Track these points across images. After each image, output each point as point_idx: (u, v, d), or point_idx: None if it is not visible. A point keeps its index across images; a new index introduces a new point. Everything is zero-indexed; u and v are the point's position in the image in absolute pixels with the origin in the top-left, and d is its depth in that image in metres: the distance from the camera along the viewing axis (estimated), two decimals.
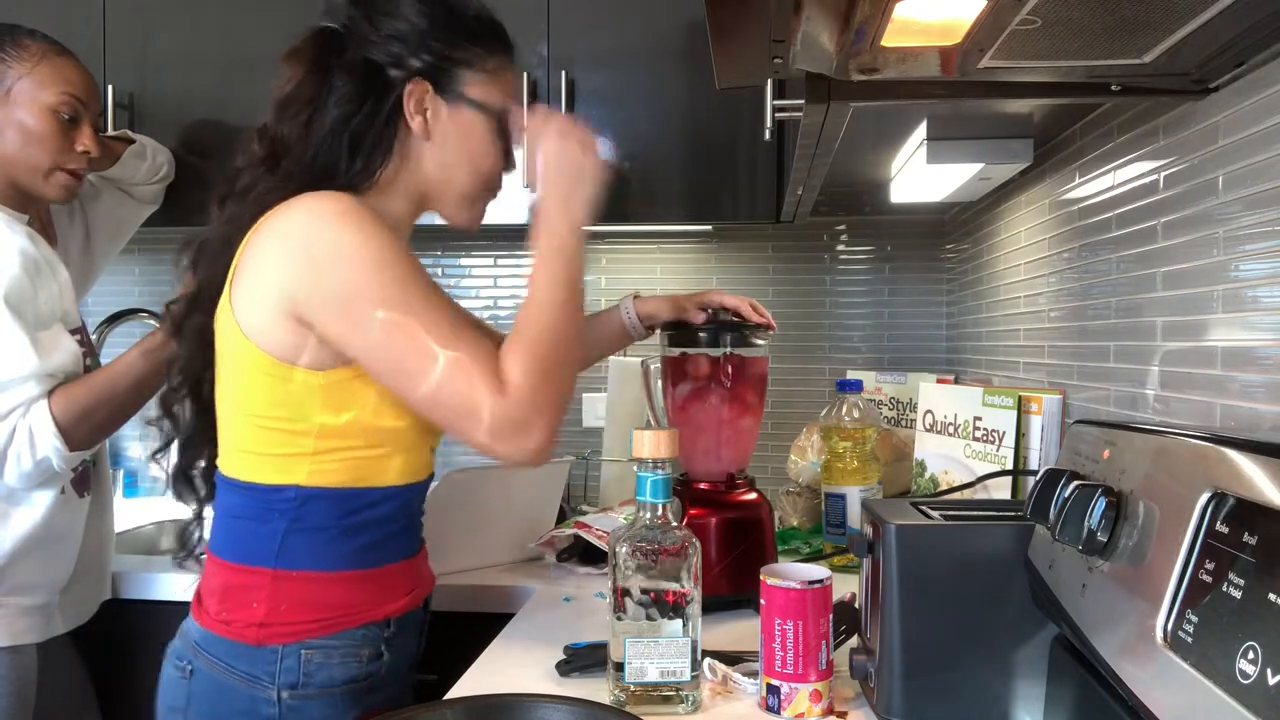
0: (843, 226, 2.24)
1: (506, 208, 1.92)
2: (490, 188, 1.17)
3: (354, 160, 1.06)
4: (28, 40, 1.38)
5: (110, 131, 1.79)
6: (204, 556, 1.11)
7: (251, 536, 1.04)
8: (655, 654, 0.99)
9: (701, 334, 1.39)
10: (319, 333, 0.98)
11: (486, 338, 1.42)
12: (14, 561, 1.33)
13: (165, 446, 1.15)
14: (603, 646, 1.05)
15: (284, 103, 1.07)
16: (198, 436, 1.13)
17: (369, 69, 1.06)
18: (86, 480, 1.43)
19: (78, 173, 1.42)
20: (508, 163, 1.16)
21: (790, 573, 1.00)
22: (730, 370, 1.38)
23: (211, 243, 1.09)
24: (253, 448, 1.03)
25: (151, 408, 1.24)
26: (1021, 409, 1.36)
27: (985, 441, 1.42)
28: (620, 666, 1.00)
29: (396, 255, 0.98)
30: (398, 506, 1.08)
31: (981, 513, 1.01)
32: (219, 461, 1.08)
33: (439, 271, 2.32)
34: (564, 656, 1.12)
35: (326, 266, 0.97)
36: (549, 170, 1.07)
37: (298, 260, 0.98)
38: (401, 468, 1.07)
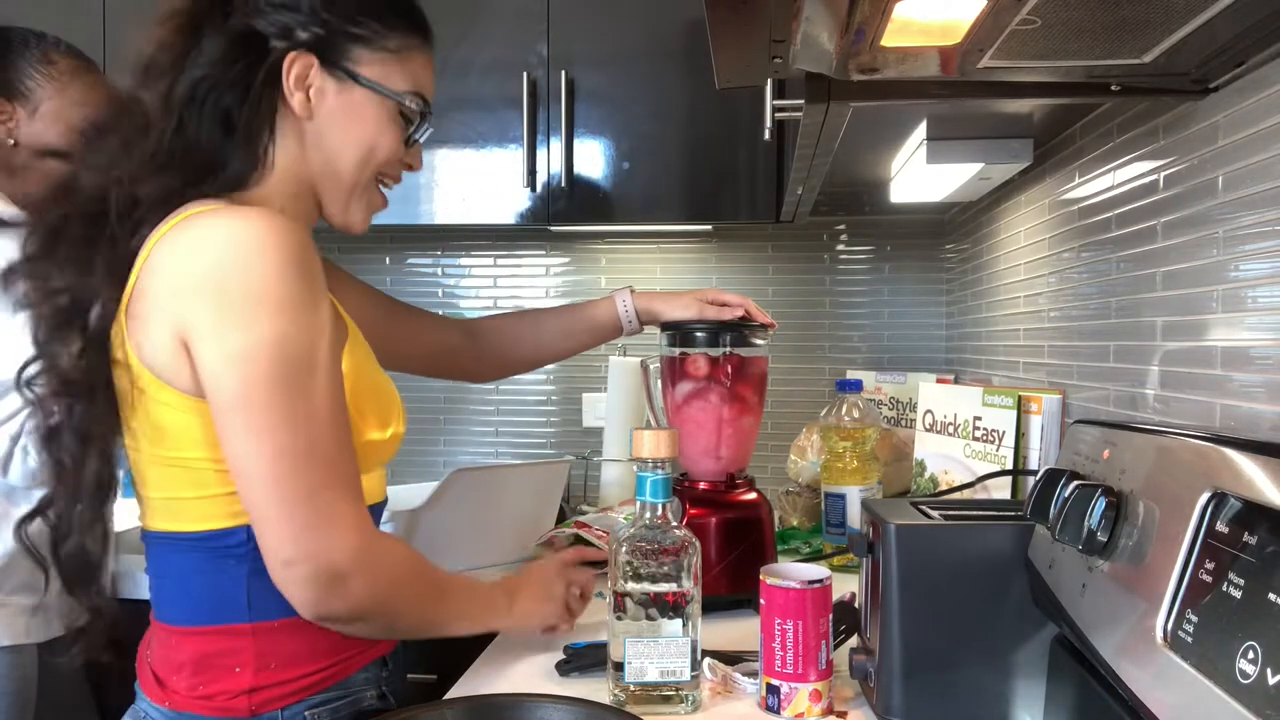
0: (843, 226, 2.24)
1: (506, 208, 1.94)
2: (378, 181, 1.05)
3: (229, 139, 0.94)
4: (55, 55, 1.40)
5: None
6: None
7: (213, 591, 0.91)
8: (655, 654, 0.99)
9: (701, 334, 1.39)
10: (197, 366, 0.86)
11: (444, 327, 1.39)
12: (14, 563, 1.33)
13: (38, 512, 0.93)
14: (603, 646, 1.05)
15: (145, 68, 0.94)
16: (88, 502, 0.92)
17: (246, 34, 0.95)
18: None
19: None
20: (410, 157, 1.06)
21: (790, 573, 1.00)
22: (730, 370, 1.38)
23: (70, 246, 0.91)
24: (185, 492, 0.90)
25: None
26: (1021, 409, 1.36)
27: (985, 441, 1.42)
28: (620, 666, 1.00)
29: (312, 311, 0.88)
30: None
31: (981, 513, 1.01)
32: (143, 519, 0.96)
33: (439, 271, 2.32)
34: (564, 656, 1.12)
35: (235, 310, 0.84)
36: (533, 585, 1.12)
37: (205, 292, 0.85)
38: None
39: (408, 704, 1.05)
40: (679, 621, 1.00)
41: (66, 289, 0.90)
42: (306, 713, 0.92)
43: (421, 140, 1.05)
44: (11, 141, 1.38)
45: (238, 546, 0.90)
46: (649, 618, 1.00)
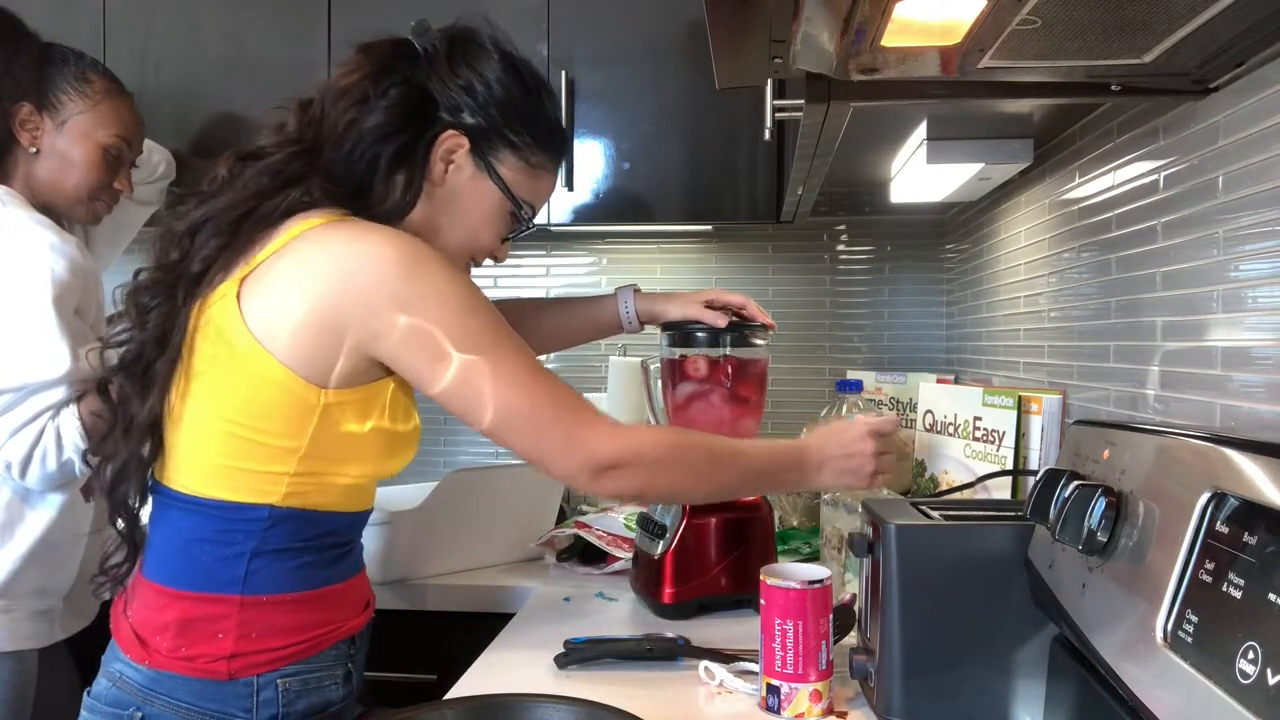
0: (843, 226, 2.24)
1: None
2: (470, 262, 1.16)
3: (390, 183, 1.05)
4: (92, 75, 1.44)
5: None
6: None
7: (214, 562, 0.96)
8: None
9: (701, 334, 1.38)
10: (398, 367, 0.97)
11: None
12: (28, 565, 1.33)
13: (105, 438, 1.03)
14: (602, 641, 1.05)
15: (342, 90, 1.05)
16: (137, 442, 1.00)
17: (424, 95, 1.06)
18: (92, 484, 1.43)
19: (109, 204, 1.49)
20: (499, 250, 1.17)
21: (790, 573, 1.00)
22: (730, 370, 1.38)
23: (218, 217, 0.99)
24: (226, 459, 0.95)
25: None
26: (1021, 409, 1.36)
27: (985, 441, 1.42)
28: None
29: (481, 298, 0.99)
30: (354, 525, 1.06)
31: (981, 513, 1.01)
32: (169, 475, 0.99)
33: None
34: (563, 650, 1.12)
35: (419, 311, 0.94)
36: (841, 443, 1.15)
37: (377, 299, 0.94)
38: (370, 494, 1.07)
39: (366, 681, 1.10)
40: None
41: (192, 257, 0.99)
42: (279, 680, 0.97)
43: (513, 240, 1.18)
44: (34, 150, 1.41)
45: (253, 523, 0.96)
46: None
